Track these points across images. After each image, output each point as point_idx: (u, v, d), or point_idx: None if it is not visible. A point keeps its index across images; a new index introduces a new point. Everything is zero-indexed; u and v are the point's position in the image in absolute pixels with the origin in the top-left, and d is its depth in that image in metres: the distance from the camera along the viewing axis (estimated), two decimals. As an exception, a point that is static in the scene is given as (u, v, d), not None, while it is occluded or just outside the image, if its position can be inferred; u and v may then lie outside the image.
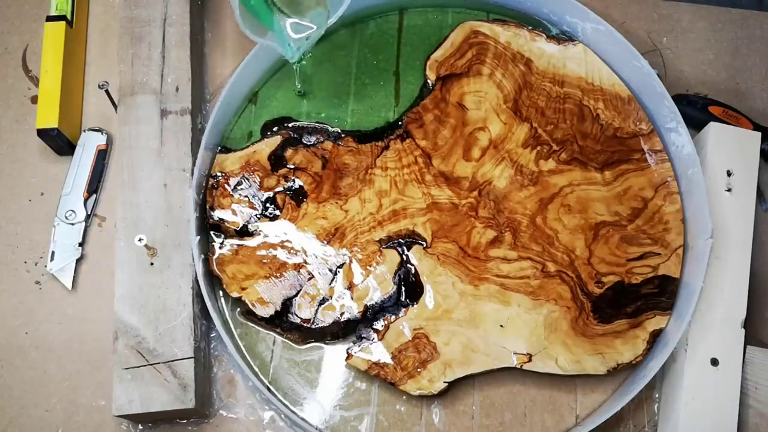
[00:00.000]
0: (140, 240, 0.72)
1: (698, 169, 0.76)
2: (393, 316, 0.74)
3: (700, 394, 0.72)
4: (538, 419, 0.74)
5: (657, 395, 0.76)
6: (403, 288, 0.75)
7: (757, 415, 0.71)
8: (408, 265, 0.75)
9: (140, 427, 0.73)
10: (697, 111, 0.84)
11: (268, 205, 0.76)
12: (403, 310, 0.74)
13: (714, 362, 0.73)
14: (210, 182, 0.76)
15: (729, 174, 0.79)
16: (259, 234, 0.75)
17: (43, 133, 0.77)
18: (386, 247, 0.76)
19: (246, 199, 0.76)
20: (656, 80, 0.80)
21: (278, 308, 0.73)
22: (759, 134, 0.81)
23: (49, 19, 0.80)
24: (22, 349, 0.75)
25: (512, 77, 0.82)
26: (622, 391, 0.74)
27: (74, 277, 0.77)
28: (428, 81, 0.82)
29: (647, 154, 0.80)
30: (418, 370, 0.72)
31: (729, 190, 0.78)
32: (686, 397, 0.72)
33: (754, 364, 0.73)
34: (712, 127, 0.80)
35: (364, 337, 0.73)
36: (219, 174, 0.77)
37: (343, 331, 0.74)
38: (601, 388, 0.75)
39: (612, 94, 0.82)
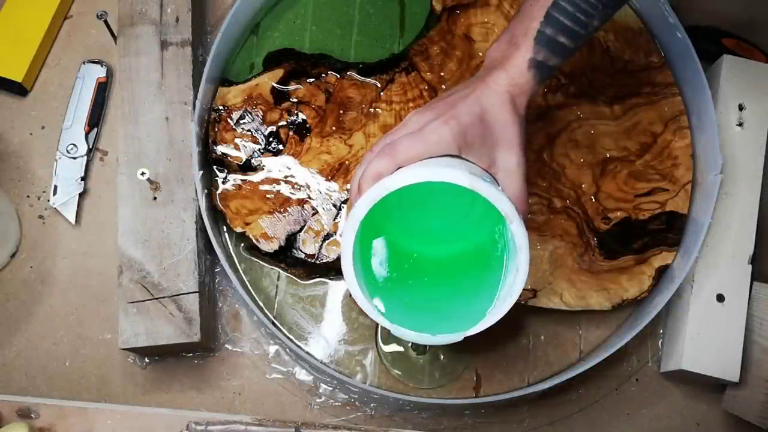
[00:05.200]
0: (143, 174, 0.71)
1: (710, 103, 0.75)
2: (397, 252, 0.73)
3: (705, 330, 0.72)
4: (541, 354, 0.74)
5: (661, 331, 0.77)
6: (408, 223, 0.74)
7: (761, 351, 0.71)
8: (413, 201, 0.75)
9: (146, 360, 0.73)
10: (709, 43, 0.82)
11: (271, 139, 0.75)
12: (408, 245, 0.73)
13: (720, 298, 0.73)
14: (212, 116, 0.75)
15: (741, 108, 0.77)
16: (263, 169, 0.74)
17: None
18: (391, 182, 0.75)
19: (249, 133, 0.75)
20: (668, 11, 0.78)
21: (282, 243, 0.73)
22: (773, 68, 0.79)
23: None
24: (27, 282, 0.75)
25: (521, 8, 0.80)
26: (627, 327, 0.74)
27: (77, 211, 0.76)
28: (434, 11, 0.80)
29: (658, 88, 0.79)
30: (423, 305, 0.72)
31: (740, 124, 0.77)
32: (691, 332, 0.72)
33: (760, 300, 0.73)
34: (725, 59, 0.79)
35: (368, 273, 0.73)
36: (221, 107, 0.75)
37: (348, 266, 0.73)
38: (606, 324, 0.75)
39: (623, 26, 0.80)
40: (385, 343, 0.73)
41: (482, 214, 0.65)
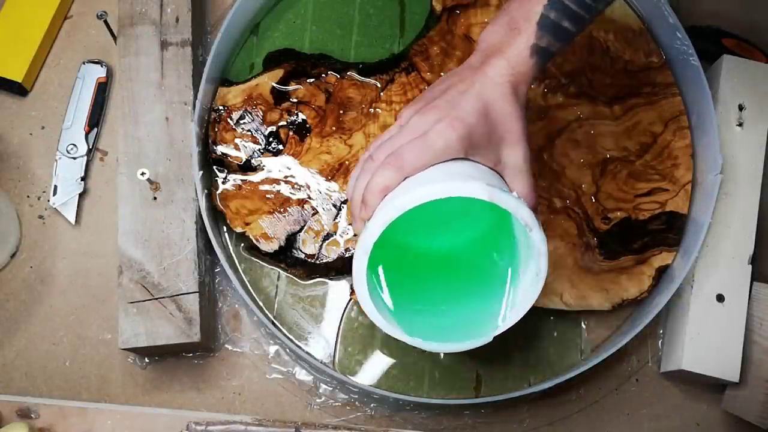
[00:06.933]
0: (143, 174, 0.71)
1: (710, 103, 0.75)
2: (397, 252, 0.73)
3: (705, 330, 0.72)
4: (541, 354, 0.74)
5: (661, 331, 0.77)
6: (408, 223, 0.74)
7: (761, 351, 0.71)
8: (413, 201, 0.74)
9: (147, 360, 0.73)
10: (709, 43, 0.82)
11: (271, 139, 0.75)
12: (408, 245, 0.73)
13: (720, 298, 0.73)
14: (212, 116, 0.75)
15: (741, 108, 0.77)
16: (263, 169, 0.74)
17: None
18: (391, 182, 0.75)
19: (249, 133, 0.75)
20: (668, 11, 0.78)
21: (282, 243, 0.73)
22: (773, 68, 0.79)
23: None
24: (27, 282, 0.75)
25: (521, 8, 0.80)
26: (627, 327, 0.74)
27: (77, 211, 0.76)
28: (434, 12, 0.80)
29: (658, 88, 0.79)
30: (423, 305, 0.72)
31: (740, 124, 0.77)
32: (691, 332, 0.72)
33: (760, 300, 0.73)
34: (725, 59, 0.78)
35: (368, 273, 0.73)
36: (221, 108, 0.75)
37: (348, 266, 0.73)
38: (606, 324, 0.75)
39: (623, 26, 0.80)
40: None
41: (479, 210, 0.65)
